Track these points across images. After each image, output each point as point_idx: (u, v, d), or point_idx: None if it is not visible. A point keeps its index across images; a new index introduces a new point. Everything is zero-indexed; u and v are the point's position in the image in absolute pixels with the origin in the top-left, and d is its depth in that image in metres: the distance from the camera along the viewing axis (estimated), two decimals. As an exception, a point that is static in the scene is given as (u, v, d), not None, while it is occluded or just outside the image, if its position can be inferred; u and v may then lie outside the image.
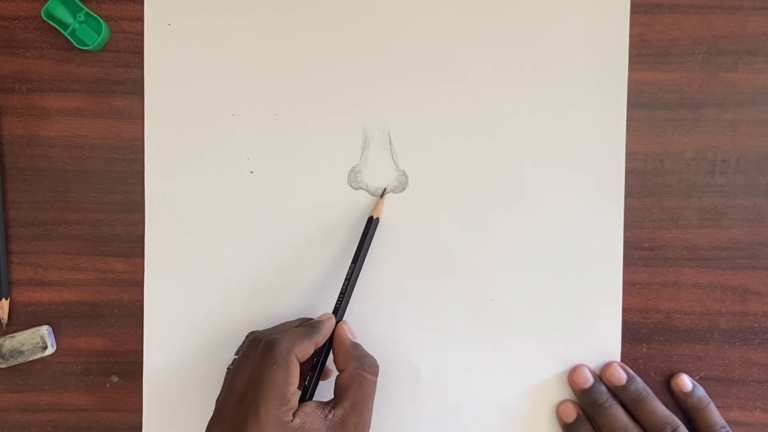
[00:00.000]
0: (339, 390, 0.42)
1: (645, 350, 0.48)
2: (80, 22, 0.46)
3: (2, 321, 0.48)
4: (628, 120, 0.47)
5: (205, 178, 0.47)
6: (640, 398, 0.46)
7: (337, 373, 0.43)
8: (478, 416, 0.47)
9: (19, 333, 0.47)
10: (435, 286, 0.47)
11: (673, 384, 0.47)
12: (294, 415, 0.40)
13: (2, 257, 0.47)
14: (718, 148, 0.48)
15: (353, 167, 0.47)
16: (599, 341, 0.47)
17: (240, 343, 0.45)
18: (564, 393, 0.48)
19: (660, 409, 0.45)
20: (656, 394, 0.46)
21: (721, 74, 0.47)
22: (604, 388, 0.46)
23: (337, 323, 0.45)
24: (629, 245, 0.47)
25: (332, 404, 0.41)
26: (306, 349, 0.42)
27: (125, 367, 0.48)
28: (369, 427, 0.43)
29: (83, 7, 0.46)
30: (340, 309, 0.45)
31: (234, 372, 0.42)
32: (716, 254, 0.48)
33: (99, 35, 0.46)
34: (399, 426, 0.48)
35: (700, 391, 0.47)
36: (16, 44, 0.48)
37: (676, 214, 0.48)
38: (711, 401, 0.46)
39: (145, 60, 0.47)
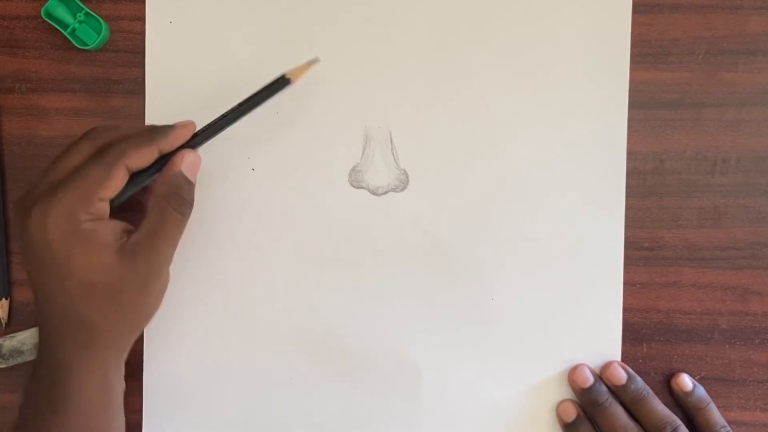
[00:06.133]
0: (143, 216, 0.39)
1: (645, 350, 0.48)
2: (80, 22, 0.46)
3: (2, 321, 0.47)
4: (628, 120, 0.47)
5: (206, 177, 0.47)
6: (641, 398, 0.46)
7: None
8: (478, 416, 0.47)
9: (19, 333, 0.47)
10: (435, 286, 0.47)
11: (673, 384, 0.47)
12: (91, 220, 0.37)
13: (2, 257, 0.47)
14: (718, 148, 0.48)
15: (354, 166, 0.47)
16: (599, 341, 0.47)
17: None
18: (564, 393, 0.48)
19: (660, 408, 0.45)
20: (656, 393, 0.46)
21: (721, 74, 0.47)
22: (604, 387, 0.46)
23: (187, 149, 0.40)
24: (629, 245, 0.47)
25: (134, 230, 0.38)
26: (144, 155, 0.38)
27: (125, 367, 0.47)
28: (167, 266, 0.40)
29: (83, 6, 0.46)
30: (198, 137, 0.41)
31: (63, 151, 0.39)
32: (716, 254, 0.48)
33: (99, 35, 0.46)
34: (399, 426, 0.47)
35: (701, 391, 0.47)
36: (16, 44, 0.47)
37: (676, 214, 0.48)
38: (711, 401, 0.46)
39: (146, 58, 0.47)
